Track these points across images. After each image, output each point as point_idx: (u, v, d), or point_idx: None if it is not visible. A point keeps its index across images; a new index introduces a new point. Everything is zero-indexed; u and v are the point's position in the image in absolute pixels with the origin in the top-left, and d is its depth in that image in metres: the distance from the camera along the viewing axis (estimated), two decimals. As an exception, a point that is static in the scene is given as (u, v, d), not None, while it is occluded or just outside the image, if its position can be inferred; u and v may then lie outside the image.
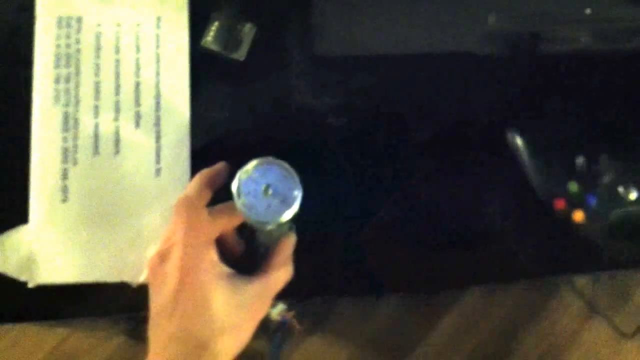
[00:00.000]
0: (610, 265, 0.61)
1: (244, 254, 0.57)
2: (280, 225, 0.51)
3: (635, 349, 1.18)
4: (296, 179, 0.49)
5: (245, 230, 0.55)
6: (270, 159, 0.50)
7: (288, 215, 0.49)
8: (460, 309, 1.22)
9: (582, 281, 1.18)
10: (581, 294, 1.16)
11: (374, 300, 1.17)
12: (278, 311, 0.70)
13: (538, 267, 0.62)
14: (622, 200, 0.58)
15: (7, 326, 0.63)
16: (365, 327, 1.19)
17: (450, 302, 1.22)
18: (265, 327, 0.75)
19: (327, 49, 0.62)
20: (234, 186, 0.49)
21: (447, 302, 1.22)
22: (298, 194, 0.49)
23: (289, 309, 0.68)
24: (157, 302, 0.52)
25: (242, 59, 0.63)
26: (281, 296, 0.54)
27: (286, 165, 0.49)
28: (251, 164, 0.50)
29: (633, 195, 0.58)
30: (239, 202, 0.50)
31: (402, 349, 1.19)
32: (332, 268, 0.63)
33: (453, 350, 1.20)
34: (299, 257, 0.54)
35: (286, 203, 0.49)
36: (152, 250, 0.53)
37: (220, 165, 0.55)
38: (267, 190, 0.49)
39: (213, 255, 0.52)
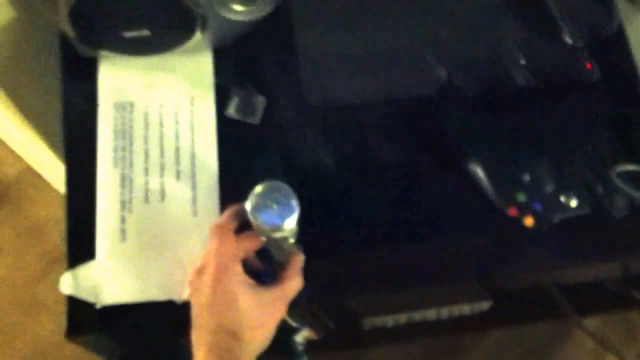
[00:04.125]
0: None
1: (264, 271, 0.71)
2: (290, 232, 0.65)
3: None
4: (291, 191, 0.64)
5: (264, 253, 0.70)
6: (269, 182, 0.65)
7: (293, 219, 0.64)
8: (481, 351, 1.31)
9: (593, 322, 1.27)
10: (593, 333, 1.24)
11: (401, 345, 1.26)
12: (302, 335, 0.83)
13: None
14: (565, 206, 0.71)
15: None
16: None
17: (471, 345, 1.31)
18: (292, 352, 0.87)
19: (317, 105, 0.78)
20: (248, 207, 0.65)
21: (469, 345, 1.31)
22: (296, 202, 0.64)
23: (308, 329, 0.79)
24: (197, 305, 0.66)
25: (257, 123, 0.80)
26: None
27: (282, 184, 0.65)
28: (257, 189, 0.65)
29: (573, 203, 0.71)
30: (256, 222, 0.65)
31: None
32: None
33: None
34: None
35: (289, 209, 0.64)
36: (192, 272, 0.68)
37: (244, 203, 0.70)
38: (273, 204, 0.64)
39: (239, 267, 0.66)
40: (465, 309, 1.10)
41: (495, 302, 1.11)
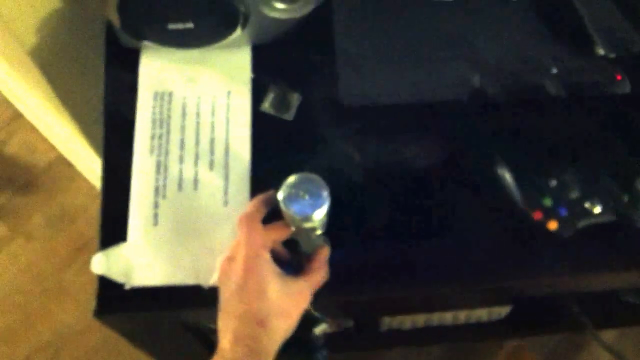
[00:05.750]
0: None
1: (291, 261, 0.73)
2: (319, 222, 0.67)
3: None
4: (323, 182, 0.66)
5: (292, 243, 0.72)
6: (302, 173, 0.67)
7: (323, 210, 0.66)
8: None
9: (609, 335, 1.27)
10: (609, 346, 1.24)
11: (417, 351, 1.28)
12: (322, 328, 0.84)
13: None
14: (589, 213, 0.72)
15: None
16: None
17: (487, 354, 1.32)
18: (311, 343, 0.89)
19: (350, 104, 0.80)
20: (280, 197, 0.67)
21: (484, 354, 1.32)
22: (327, 194, 0.66)
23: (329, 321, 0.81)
24: (226, 292, 0.67)
25: (291, 119, 0.82)
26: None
27: (314, 175, 0.67)
28: (290, 180, 0.67)
29: (598, 209, 0.72)
30: (287, 211, 0.67)
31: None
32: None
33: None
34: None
35: (320, 200, 0.66)
36: (221, 259, 0.70)
37: (271, 191, 0.72)
38: (305, 195, 0.66)
39: (268, 256, 0.68)
40: (482, 314, 1.11)
41: (513, 310, 1.12)
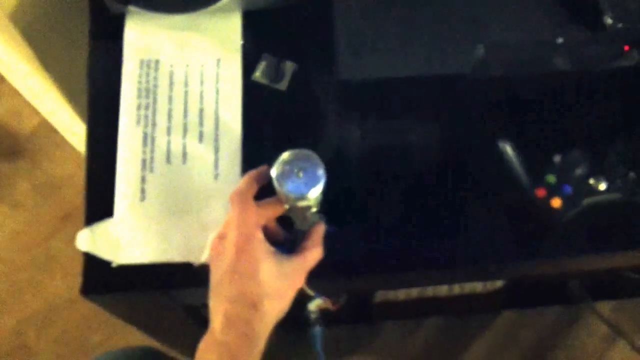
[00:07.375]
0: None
1: (285, 238, 0.71)
2: (314, 201, 0.65)
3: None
4: (319, 160, 0.63)
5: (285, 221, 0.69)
6: (296, 150, 0.64)
7: (318, 188, 0.63)
8: (492, 332, 1.32)
9: (606, 307, 1.26)
10: (605, 319, 1.24)
11: (414, 323, 1.27)
12: (316, 304, 0.82)
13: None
14: (594, 190, 0.70)
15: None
16: (405, 348, 1.29)
17: (483, 326, 1.31)
18: (306, 319, 0.87)
19: (348, 76, 0.76)
20: (273, 174, 0.64)
21: (480, 326, 1.31)
22: (322, 172, 0.63)
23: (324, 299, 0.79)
24: (218, 272, 0.65)
25: (284, 89, 0.79)
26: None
27: (310, 152, 0.64)
28: (284, 156, 0.64)
29: (603, 186, 0.69)
30: (281, 189, 0.64)
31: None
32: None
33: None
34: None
35: (315, 178, 0.63)
36: (212, 236, 0.67)
37: (264, 167, 0.69)
38: (300, 173, 0.63)
39: (261, 235, 0.65)
40: (477, 285, 1.10)
41: (508, 283, 1.10)
